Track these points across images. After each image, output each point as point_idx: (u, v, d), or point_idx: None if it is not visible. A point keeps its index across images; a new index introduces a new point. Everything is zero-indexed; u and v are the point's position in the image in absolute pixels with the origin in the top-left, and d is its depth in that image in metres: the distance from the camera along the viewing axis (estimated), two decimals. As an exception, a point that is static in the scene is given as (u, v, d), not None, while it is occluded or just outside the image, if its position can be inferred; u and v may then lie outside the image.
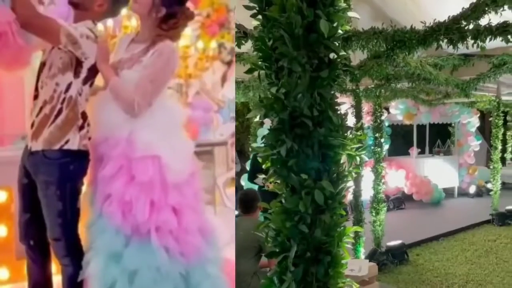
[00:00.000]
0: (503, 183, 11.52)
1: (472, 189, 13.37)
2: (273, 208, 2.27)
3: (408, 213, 11.12)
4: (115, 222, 3.02)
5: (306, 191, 2.16)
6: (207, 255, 3.22)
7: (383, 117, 7.62)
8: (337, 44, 2.25)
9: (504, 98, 10.79)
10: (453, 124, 13.93)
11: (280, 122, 2.19)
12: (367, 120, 8.26)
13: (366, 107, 7.82)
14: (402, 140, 15.25)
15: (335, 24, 2.22)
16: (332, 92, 2.30)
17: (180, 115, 3.37)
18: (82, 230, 3.17)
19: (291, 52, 2.12)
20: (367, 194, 7.28)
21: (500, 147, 10.25)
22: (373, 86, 7.07)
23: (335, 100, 2.32)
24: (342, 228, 2.34)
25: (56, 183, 3.04)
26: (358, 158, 2.42)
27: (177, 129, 3.28)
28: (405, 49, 4.75)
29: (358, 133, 2.47)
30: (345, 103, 7.34)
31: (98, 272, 3.03)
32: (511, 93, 10.95)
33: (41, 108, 3.06)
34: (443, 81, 6.80)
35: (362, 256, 6.66)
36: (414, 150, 13.04)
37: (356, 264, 5.25)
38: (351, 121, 6.72)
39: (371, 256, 6.80)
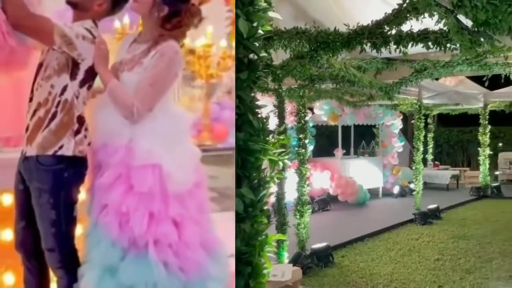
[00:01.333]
0: (425, 183, 11.96)
1: (396, 190, 13.78)
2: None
3: (333, 215, 11.29)
4: (111, 234, 2.87)
5: (224, 199, 2.11)
6: (209, 271, 3.06)
7: (307, 118, 7.63)
8: (257, 45, 2.21)
9: (425, 101, 11.22)
10: (377, 126, 14.31)
11: (198, 127, 2.13)
12: (290, 121, 8.29)
13: (289, 107, 7.85)
14: (327, 141, 15.52)
15: (254, 24, 2.18)
16: (252, 94, 2.26)
17: (185, 121, 3.18)
18: (79, 240, 3.06)
19: (208, 53, 2.06)
20: (291, 196, 7.28)
21: (421, 148, 10.64)
22: (296, 86, 7.07)
23: (256, 102, 2.28)
24: (263, 236, 2.31)
25: (49, 191, 2.93)
26: (280, 163, 2.40)
27: (182, 136, 3.11)
28: (329, 51, 4.79)
29: (281, 137, 2.45)
30: (266, 106, 7.30)
31: (92, 285, 2.90)
32: (431, 96, 11.39)
33: (35, 111, 2.95)
34: (367, 83, 6.94)
35: (286, 261, 6.65)
36: (339, 151, 13.29)
37: (279, 269, 5.24)
38: (273, 121, 6.71)
39: (295, 260, 6.78)
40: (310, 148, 11.84)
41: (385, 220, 10.20)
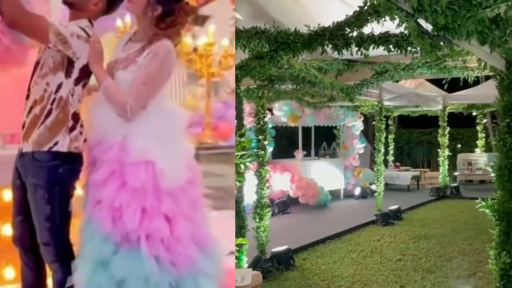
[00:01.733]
0: (386, 184, 12.16)
1: (357, 191, 13.93)
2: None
3: (294, 217, 11.32)
4: (104, 229, 2.99)
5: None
6: (201, 266, 3.17)
7: (266, 119, 7.56)
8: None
9: (385, 103, 11.41)
10: (338, 127, 14.46)
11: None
12: (249, 122, 8.28)
13: (248, 108, 7.85)
14: (286, 142, 15.60)
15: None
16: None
17: (179, 119, 3.30)
18: (74, 235, 3.20)
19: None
20: (250, 198, 7.24)
21: (383, 150, 10.81)
22: (255, 86, 7.05)
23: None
24: (225, 241, 2.33)
25: (44, 186, 3.06)
26: (242, 166, 2.43)
27: (175, 133, 3.22)
28: (289, 52, 4.83)
29: (242, 139, 2.48)
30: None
31: (85, 279, 3.01)
32: (392, 98, 11.60)
33: (31, 108, 3.09)
34: (328, 85, 7.01)
35: (245, 265, 6.62)
36: (299, 153, 13.33)
37: (238, 274, 5.22)
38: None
39: (255, 264, 6.74)
40: (270, 149, 11.87)
41: (346, 222, 10.29)
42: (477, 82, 11.43)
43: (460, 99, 14.58)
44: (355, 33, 4.34)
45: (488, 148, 16.60)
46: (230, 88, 5.72)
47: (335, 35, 4.43)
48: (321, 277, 6.84)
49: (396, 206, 11.03)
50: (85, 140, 3.15)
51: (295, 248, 7.93)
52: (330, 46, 4.57)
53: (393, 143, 16.94)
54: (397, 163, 17.06)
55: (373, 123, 11.54)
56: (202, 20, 5.36)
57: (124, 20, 4.39)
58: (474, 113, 16.46)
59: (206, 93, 5.49)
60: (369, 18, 3.89)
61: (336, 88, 7.47)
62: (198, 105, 5.65)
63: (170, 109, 3.29)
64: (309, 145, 14.39)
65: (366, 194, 13.92)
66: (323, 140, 14.77)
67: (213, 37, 5.16)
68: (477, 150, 17.12)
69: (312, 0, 5.17)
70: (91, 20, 3.15)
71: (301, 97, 9.75)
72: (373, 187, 11.83)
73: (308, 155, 14.22)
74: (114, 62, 3.15)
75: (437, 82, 13.24)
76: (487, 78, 11.63)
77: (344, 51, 4.57)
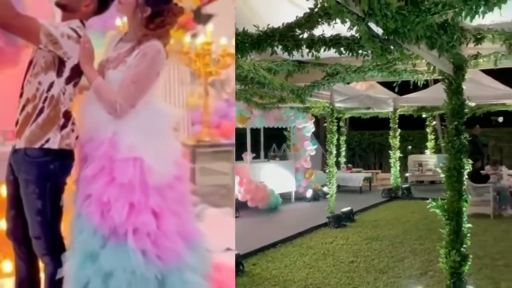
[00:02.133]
0: (338, 186, 12.31)
1: (309, 193, 13.99)
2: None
3: (243, 221, 11.14)
4: (93, 223, 3.16)
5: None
6: (187, 260, 3.32)
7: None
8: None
9: (337, 105, 11.55)
10: (288, 129, 14.53)
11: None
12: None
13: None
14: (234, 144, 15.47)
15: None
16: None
17: (168, 117, 3.48)
18: (66, 229, 3.36)
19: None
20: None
21: (334, 151, 10.94)
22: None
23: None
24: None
25: (35, 182, 3.24)
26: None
27: (164, 131, 3.38)
28: (237, 52, 4.89)
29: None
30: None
31: (73, 271, 3.16)
32: (343, 100, 11.77)
33: (24, 106, 3.27)
34: (278, 86, 7.08)
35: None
36: (248, 155, 13.23)
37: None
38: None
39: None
40: (217, 152, 11.79)
41: (298, 225, 10.32)
42: (426, 85, 11.72)
43: (410, 102, 14.99)
44: (305, 35, 4.43)
45: (437, 150, 17.06)
46: (231, 86, 5.84)
47: (285, 36, 4.50)
48: (272, 282, 6.84)
49: (349, 208, 11.16)
50: (77, 137, 3.29)
51: (244, 253, 7.84)
52: (280, 47, 4.64)
53: (345, 145, 17.19)
54: (349, 165, 17.28)
55: (325, 124, 11.65)
56: (205, 19, 5.45)
57: (123, 19, 4.48)
58: (424, 116, 16.93)
59: (204, 92, 5.60)
60: (319, 20, 3.99)
61: (286, 89, 7.55)
62: (200, 104, 5.78)
63: (158, 108, 3.43)
64: (258, 147, 14.40)
65: (318, 196, 14.00)
66: (273, 142, 14.76)
67: (211, 36, 5.27)
68: (427, 152, 17.57)
69: (261, 1, 5.24)
70: (82, 20, 3.29)
71: (249, 98, 9.78)
72: (325, 189, 11.94)
73: (257, 157, 14.19)
74: (106, 61, 3.30)
75: (388, 85, 13.51)
76: (436, 81, 11.98)
77: (295, 52, 4.66)
